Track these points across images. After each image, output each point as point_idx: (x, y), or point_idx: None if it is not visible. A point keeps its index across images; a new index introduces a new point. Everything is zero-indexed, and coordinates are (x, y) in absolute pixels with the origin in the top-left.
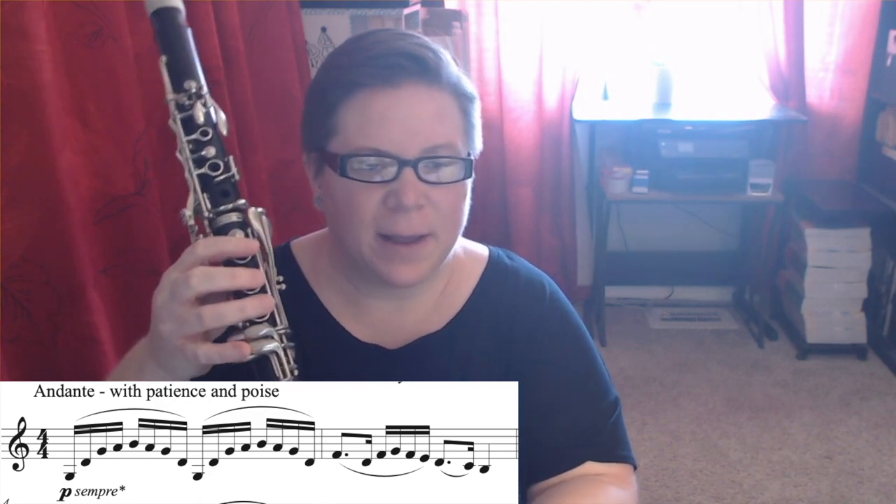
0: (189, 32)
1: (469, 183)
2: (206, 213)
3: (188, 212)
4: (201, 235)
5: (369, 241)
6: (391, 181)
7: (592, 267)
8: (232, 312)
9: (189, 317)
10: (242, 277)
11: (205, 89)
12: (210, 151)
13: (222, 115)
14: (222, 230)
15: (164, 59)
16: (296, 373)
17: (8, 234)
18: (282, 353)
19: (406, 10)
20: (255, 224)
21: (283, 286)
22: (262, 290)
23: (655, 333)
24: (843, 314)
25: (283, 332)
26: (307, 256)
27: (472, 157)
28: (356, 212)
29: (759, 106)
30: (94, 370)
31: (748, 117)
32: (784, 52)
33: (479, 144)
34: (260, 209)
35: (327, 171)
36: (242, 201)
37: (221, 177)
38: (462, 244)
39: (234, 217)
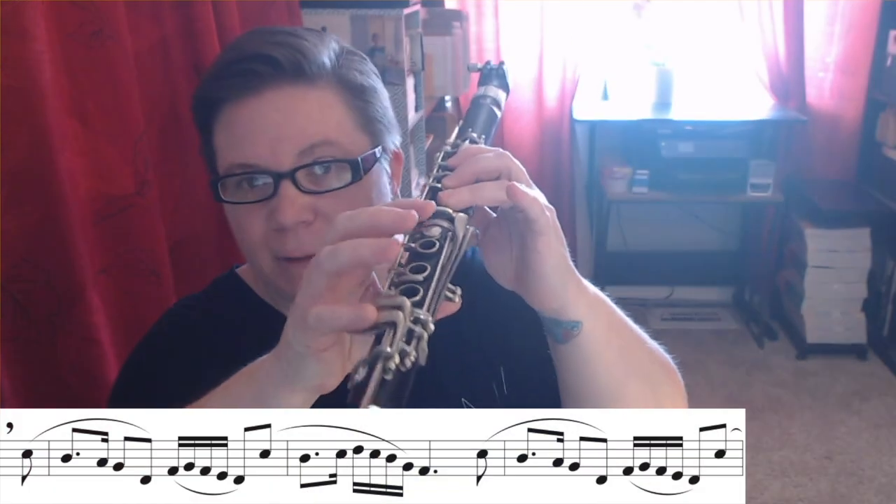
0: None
1: (370, 183)
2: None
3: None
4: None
5: (268, 263)
6: (270, 198)
7: (592, 267)
8: (345, 251)
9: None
10: (386, 216)
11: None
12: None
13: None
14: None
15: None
16: (412, 358)
17: (8, 234)
18: (402, 330)
19: (406, 10)
20: (458, 226)
21: (459, 300)
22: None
23: (655, 333)
24: (842, 314)
25: (422, 316)
26: (255, 279)
27: (376, 154)
28: (246, 236)
29: (759, 106)
30: (94, 370)
31: (748, 117)
32: (784, 52)
33: (393, 138)
34: (466, 219)
35: None
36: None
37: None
38: None
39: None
